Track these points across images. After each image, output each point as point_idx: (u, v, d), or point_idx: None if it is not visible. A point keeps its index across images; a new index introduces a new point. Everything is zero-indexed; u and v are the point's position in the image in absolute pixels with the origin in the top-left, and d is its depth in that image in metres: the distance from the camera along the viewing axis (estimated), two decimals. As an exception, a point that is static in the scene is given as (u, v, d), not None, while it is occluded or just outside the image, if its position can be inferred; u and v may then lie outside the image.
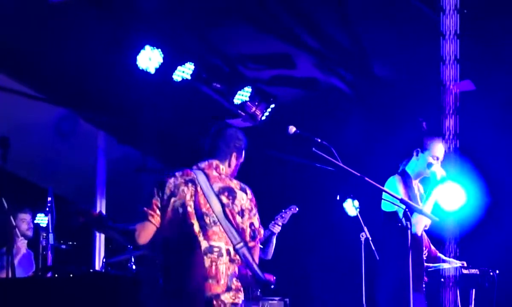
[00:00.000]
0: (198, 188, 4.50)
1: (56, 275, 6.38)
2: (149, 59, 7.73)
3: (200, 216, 4.45)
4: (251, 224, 4.63)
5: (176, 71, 8.03)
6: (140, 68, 7.75)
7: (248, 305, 8.95)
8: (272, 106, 9.11)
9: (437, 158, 6.18)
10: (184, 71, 8.08)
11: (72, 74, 8.40)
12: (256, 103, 8.97)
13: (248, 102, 8.87)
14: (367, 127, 9.22)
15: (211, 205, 4.47)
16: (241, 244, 4.49)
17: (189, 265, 4.37)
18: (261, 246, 8.43)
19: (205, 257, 4.38)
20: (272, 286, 7.89)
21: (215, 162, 4.69)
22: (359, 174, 5.25)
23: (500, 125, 8.77)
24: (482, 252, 8.23)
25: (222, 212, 4.48)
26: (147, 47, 7.69)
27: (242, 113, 9.02)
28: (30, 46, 7.92)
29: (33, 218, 8.40)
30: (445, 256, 7.91)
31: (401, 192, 5.98)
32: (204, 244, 4.40)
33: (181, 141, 9.31)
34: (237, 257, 4.50)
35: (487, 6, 7.09)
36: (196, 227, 4.42)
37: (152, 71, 7.79)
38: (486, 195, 8.81)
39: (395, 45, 7.93)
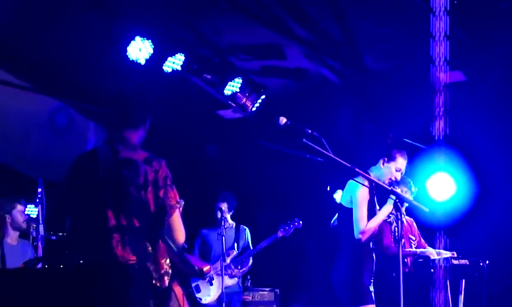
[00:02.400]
0: (101, 164, 4.33)
1: (46, 266, 6.36)
2: (140, 50, 7.70)
3: (106, 193, 4.29)
4: (157, 198, 4.32)
5: (166, 62, 8.01)
6: (131, 59, 7.72)
7: (238, 296, 9.00)
8: (263, 97, 9.11)
9: (400, 170, 6.44)
10: (174, 62, 8.06)
11: (62, 64, 8.37)
12: (247, 94, 8.97)
13: (239, 93, 8.86)
14: (357, 118, 9.24)
15: (113, 181, 4.29)
16: (146, 221, 4.30)
17: (97, 244, 4.28)
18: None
19: (113, 235, 4.23)
20: (207, 277, 7.96)
21: (125, 133, 4.48)
22: (349, 165, 5.28)
23: (490, 116, 8.80)
24: (472, 243, 8.27)
25: (124, 186, 4.28)
26: (138, 38, 7.66)
27: (233, 104, 9.02)
28: (20, 37, 7.88)
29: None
30: (435, 246, 7.96)
31: (364, 195, 6.11)
32: (111, 221, 4.25)
33: (172, 132, 9.30)
34: (144, 236, 4.29)
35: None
36: (104, 204, 4.28)
37: (143, 62, 7.76)
38: (476, 185, 8.85)
39: (386, 36, 7.94)
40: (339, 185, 9.36)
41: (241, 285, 8.75)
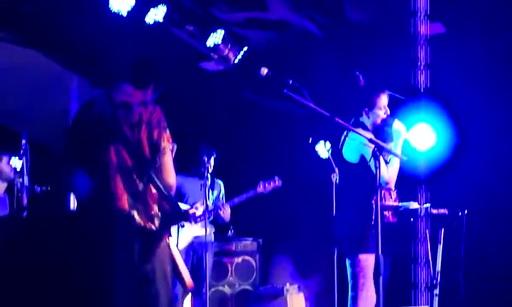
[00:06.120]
0: (97, 110, 4.46)
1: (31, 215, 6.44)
2: (122, 1, 7.69)
3: (101, 134, 4.41)
4: (151, 137, 4.43)
5: (148, 14, 8.01)
6: (113, 11, 7.71)
7: (220, 245, 9.09)
8: (245, 48, 9.13)
9: (384, 107, 6.37)
10: (156, 14, 8.05)
11: (44, 17, 8.35)
12: (229, 46, 8.98)
13: (221, 45, 8.88)
14: (338, 70, 9.28)
15: (108, 122, 4.41)
16: (140, 160, 4.39)
17: (95, 182, 4.39)
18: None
19: (109, 173, 4.35)
20: (191, 221, 7.96)
21: (125, 86, 4.59)
22: (329, 115, 5.33)
23: (470, 67, 8.86)
24: (451, 192, 8.39)
25: (118, 126, 4.40)
26: (120, -11, 7.67)
27: (215, 56, 9.03)
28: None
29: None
30: (416, 198, 8.07)
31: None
32: (105, 160, 4.36)
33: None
34: (136, 175, 4.37)
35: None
36: (99, 146, 4.40)
37: (125, 13, 7.76)
38: (456, 136, 8.94)
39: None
40: (320, 137, 9.46)
41: (213, 233, 8.64)
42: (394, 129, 6.24)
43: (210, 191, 8.48)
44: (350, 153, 6.33)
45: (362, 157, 6.20)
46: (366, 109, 6.37)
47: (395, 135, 6.24)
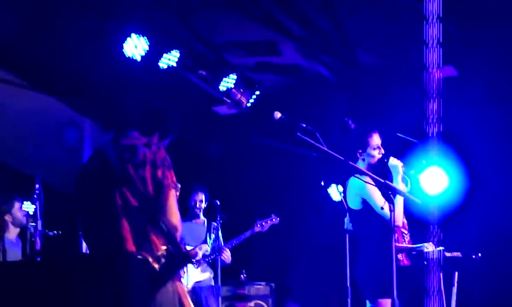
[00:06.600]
0: (103, 155, 4.47)
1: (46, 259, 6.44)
2: (135, 46, 7.77)
3: (106, 178, 4.40)
4: (155, 176, 4.39)
5: (162, 59, 8.08)
6: (127, 56, 7.78)
7: (233, 290, 9.05)
8: (257, 93, 9.18)
9: (378, 147, 6.41)
10: (170, 59, 8.13)
11: (59, 62, 8.44)
12: (241, 90, 9.04)
13: (234, 89, 8.94)
14: (351, 113, 9.31)
15: (113, 165, 4.40)
16: (144, 199, 4.36)
17: (102, 226, 4.40)
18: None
19: (114, 217, 4.34)
20: (194, 260, 7.94)
21: (130, 132, 4.58)
22: (342, 158, 5.35)
23: (482, 110, 8.88)
24: (465, 236, 8.35)
25: (122, 167, 4.38)
26: (133, 35, 7.73)
27: (228, 100, 9.09)
28: (16, 36, 7.95)
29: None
30: (428, 240, 8.02)
31: (370, 182, 6.12)
32: (114, 204, 4.34)
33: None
34: (141, 215, 4.36)
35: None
36: (104, 190, 4.40)
37: (139, 58, 7.83)
38: (468, 179, 8.93)
39: (379, 31, 8.02)
40: (332, 180, 9.47)
41: (213, 278, 8.58)
42: (391, 165, 6.26)
43: (208, 234, 8.49)
44: (351, 201, 6.37)
45: (364, 201, 6.24)
46: (360, 151, 6.40)
47: (392, 171, 6.27)
